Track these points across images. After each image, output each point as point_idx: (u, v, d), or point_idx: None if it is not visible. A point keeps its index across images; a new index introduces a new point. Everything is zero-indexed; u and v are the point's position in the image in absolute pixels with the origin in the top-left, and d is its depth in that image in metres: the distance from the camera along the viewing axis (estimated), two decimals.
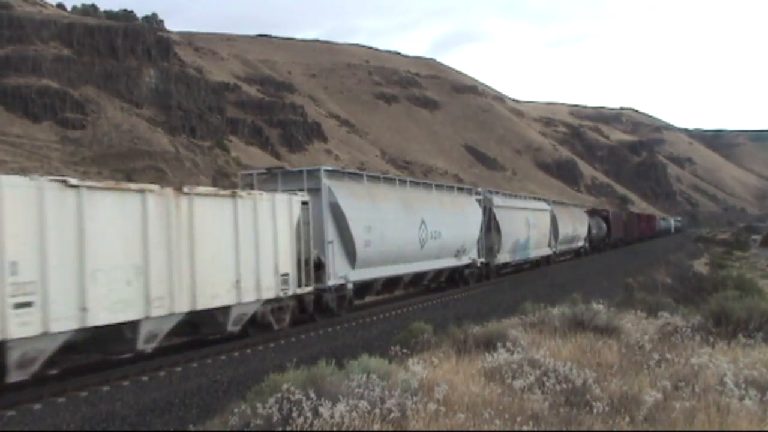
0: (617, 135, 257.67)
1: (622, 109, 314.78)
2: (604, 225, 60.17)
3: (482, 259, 30.08)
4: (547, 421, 6.38)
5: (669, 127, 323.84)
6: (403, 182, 25.91)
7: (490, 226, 31.07)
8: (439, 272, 26.40)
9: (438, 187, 28.15)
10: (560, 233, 43.30)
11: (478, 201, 30.61)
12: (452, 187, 30.14)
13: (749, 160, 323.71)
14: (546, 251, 40.92)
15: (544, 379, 7.74)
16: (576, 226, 48.95)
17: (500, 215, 32.11)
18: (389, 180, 25.31)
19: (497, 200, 33.23)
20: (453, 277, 28.22)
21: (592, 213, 62.14)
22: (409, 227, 22.83)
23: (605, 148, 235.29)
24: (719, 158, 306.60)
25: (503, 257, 32.90)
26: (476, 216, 29.47)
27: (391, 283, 23.35)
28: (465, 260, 28.18)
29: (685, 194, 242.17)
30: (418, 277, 24.92)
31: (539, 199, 44.87)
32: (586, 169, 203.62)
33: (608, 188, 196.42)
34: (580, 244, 51.79)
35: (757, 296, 14.80)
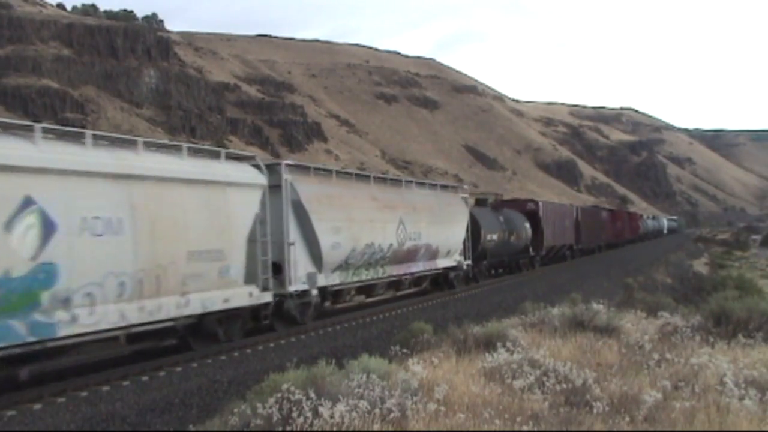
0: (617, 135, 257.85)
1: (622, 109, 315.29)
2: (526, 226, 35.24)
3: None
4: (547, 421, 6.38)
5: (669, 127, 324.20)
6: None
7: None
8: None
9: None
10: (330, 246, 18.20)
11: None
12: None
13: (749, 160, 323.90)
14: (233, 300, 14.52)
15: (544, 379, 7.74)
16: (417, 229, 22.77)
17: None
18: None
19: None
20: None
21: (499, 205, 36.35)
22: None
23: (605, 148, 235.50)
24: (719, 158, 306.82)
25: None
26: None
27: None
28: None
29: (685, 194, 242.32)
30: None
31: (213, 155, 15.37)
32: (586, 169, 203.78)
33: (608, 188, 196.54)
34: (449, 263, 26.06)
35: (757, 296, 14.82)
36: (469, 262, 28.04)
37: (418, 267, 23.89)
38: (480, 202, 35.33)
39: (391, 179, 25.16)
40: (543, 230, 38.03)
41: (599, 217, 57.02)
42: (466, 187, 30.87)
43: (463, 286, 27.77)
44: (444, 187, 29.18)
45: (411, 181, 26.12)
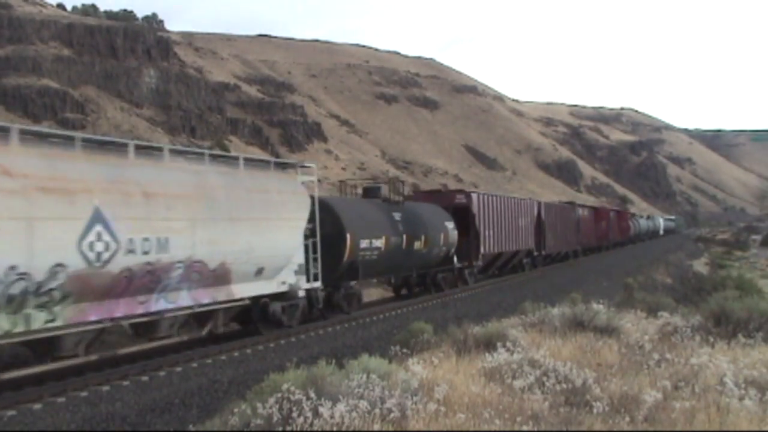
0: (617, 135, 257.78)
1: (622, 109, 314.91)
2: (447, 226, 25.44)
3: None
4: (547, 421, 6.38)
5: (669, 127, 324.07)
6: None
7: None
8: None
9: None
10: None
11: None
12: None
13: (749, 160, 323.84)
14: None
15: (544, 379, 7.74)
16: (158, 233, 12.47)
17: None
18: None
19: None
20: None
21: (416, 198, 29.04)
22: None
23: (605, 148, 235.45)
24: (719, 158, 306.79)
25: None
26: None
27: None
28: None
29: (685, 194, 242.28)
30: None
31: None
32: (586, 169, 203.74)
33: (608, 188, 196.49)
34: (267, 288, 15.73)
35: (757, 296, 14.82)
36: (317, 284, 17.66)
37: (179, 301, 13.28)
38: (369, 192, 24.23)
39: (90, 139, 12.76)
40: (479, 232, 28.05)
41: (573, 216, 46.30)
42: (310, 165, 19.29)
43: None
44: (254, 162, 17.03)
45: (159, 148, 14.13)
